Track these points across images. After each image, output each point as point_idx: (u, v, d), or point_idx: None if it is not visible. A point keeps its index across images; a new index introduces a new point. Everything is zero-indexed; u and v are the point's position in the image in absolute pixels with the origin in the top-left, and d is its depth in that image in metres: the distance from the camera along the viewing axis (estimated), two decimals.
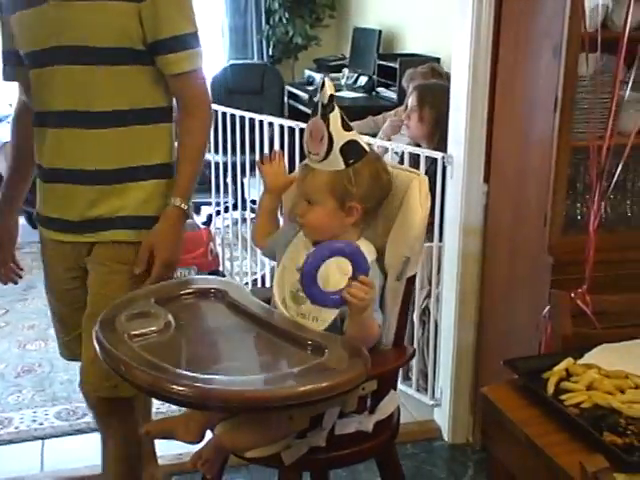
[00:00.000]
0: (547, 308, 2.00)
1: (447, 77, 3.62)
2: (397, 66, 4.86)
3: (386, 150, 3.12)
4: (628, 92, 2.31)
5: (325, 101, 1.75)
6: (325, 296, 1.67)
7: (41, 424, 2.97)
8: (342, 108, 1.78)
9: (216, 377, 1.55)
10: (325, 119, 1.75)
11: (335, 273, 1.68)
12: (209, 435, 1.85)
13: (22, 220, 5.48)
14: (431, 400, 3.04)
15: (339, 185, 1.78)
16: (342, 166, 1.77)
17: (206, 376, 1.53)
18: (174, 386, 1.50)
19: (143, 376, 1.55)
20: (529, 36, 2.38)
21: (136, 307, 1.80)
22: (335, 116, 1.76)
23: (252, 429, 1.77)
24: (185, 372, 1.54)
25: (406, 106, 3.59)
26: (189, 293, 1.91)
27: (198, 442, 1.84)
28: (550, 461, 1.42)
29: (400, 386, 3.12)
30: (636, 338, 1.80)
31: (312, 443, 1.73)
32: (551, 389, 1.59)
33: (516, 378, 1.68)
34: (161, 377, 1.53)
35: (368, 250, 1.81)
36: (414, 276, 1.85)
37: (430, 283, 3.04)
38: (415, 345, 3.07)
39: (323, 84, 1.76)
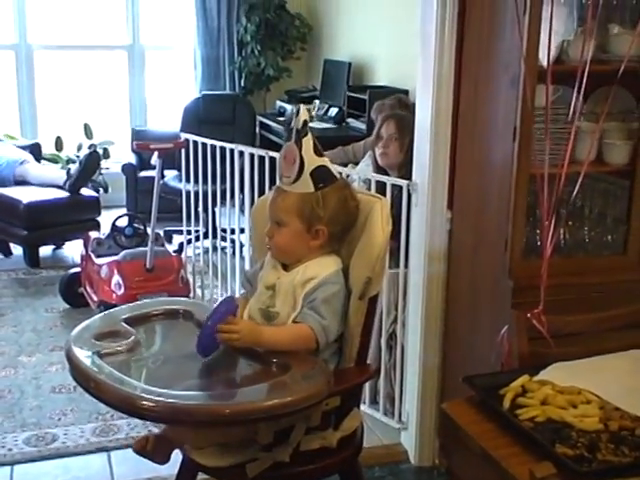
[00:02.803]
0: (505, 328, 2.07)
1: (414, 108, 3.69)
2: (366, 97, 4.95)
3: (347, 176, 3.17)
4: (583, 122, 2.42)
5: (299, 127, 1.83)
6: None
7: (10, 450, 2.97)
8: None
9: (183, 393, 1.60)
10: (298, 143, 1.83)
11: None
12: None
13: None
14: (398, 423, 3.08)
15: (307, 207, 1.85)
16: (312, 189, 1.85)
17: (173, 392, 1.59)
18: (143, 402, 1.56)
19: (113, 393, 1.60)
20: (489, 69, 2.48)
21: (106, 326, 1.85)
22: (307, 141, 1.84)
23: (221, 447, 1.81)
24: (153, 388, 1.59)
25: (377, 136, 3.65)
26: (158, 314, 1.97)
27: (165, 462, 1.88)
28: (504, 472, 1.47)
29: (367, 410, 3.16)
30: (589, 356, 1.87)
31: (277, 458, 1.78)
32: (507, 404, 1.65)
33: (474, 395, 1.74)
34: (130, 393, 1.59)
35: (332, 261, 1.90)
36: (377, 296, 1.91)
37: (396, 308, 3.10)
38: (382, 369, 3.11)
39: (298, 111, 1.85)
